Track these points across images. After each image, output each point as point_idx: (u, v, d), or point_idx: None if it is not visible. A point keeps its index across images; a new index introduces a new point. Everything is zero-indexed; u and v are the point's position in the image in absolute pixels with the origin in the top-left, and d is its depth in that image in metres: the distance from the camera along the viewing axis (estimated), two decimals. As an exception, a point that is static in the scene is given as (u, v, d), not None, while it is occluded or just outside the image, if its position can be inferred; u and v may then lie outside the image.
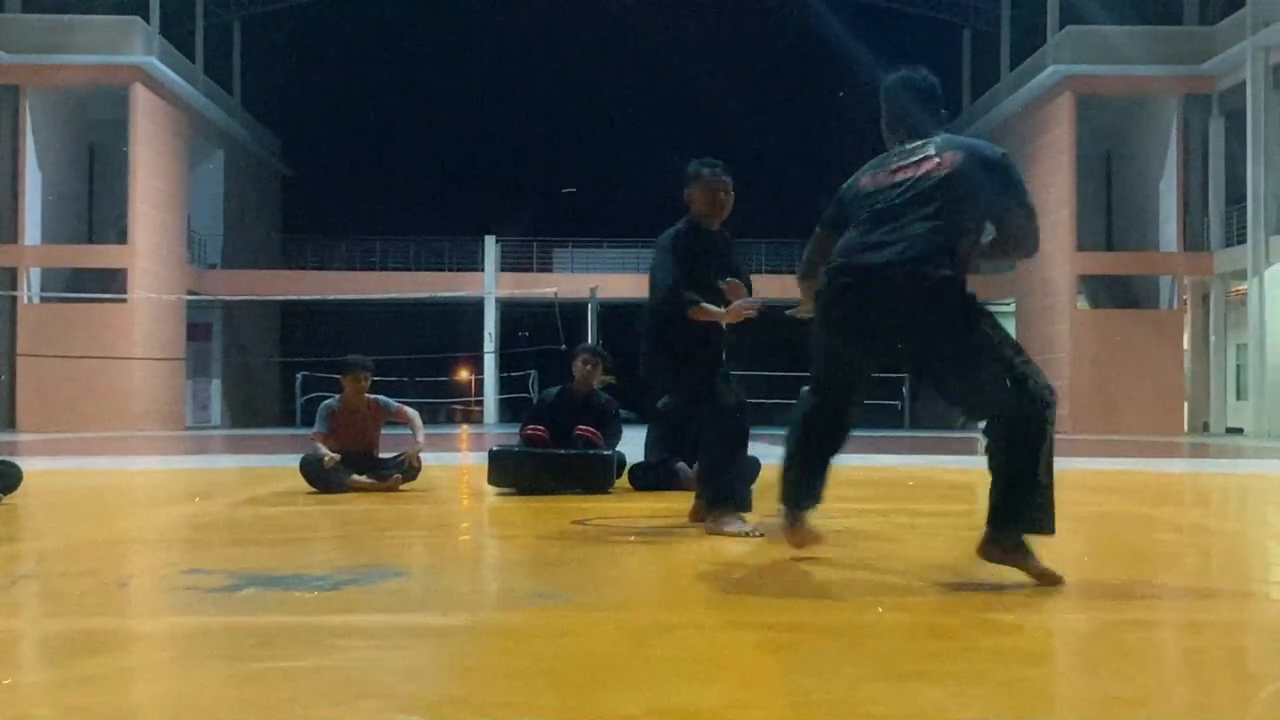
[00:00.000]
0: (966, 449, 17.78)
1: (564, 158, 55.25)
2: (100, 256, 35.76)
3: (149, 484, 10.65)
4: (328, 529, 6.11)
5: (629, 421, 9.07)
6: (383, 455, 8.59)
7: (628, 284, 40.95)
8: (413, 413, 8.71)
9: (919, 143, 4.24)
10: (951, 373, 4.03)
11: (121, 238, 35.26)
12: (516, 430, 8.74)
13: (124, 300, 33.74)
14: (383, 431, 8.72)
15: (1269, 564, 5.04)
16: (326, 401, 8.65)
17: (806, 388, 4.45)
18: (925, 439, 25.23)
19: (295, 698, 2.47)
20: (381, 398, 8.70)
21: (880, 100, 4.46)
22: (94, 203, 38.66)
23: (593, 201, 51.41)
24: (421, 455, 8.59)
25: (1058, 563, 4.14)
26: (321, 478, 8.11)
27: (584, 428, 8.29)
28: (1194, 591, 3.95)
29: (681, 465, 8.38)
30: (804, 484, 4.41)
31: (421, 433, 8.66)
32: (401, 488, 8.31)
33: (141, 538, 5.81)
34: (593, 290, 25.77)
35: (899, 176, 4.16)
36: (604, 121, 55.71)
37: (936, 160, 4.12)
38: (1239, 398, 34.49)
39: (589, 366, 8.67)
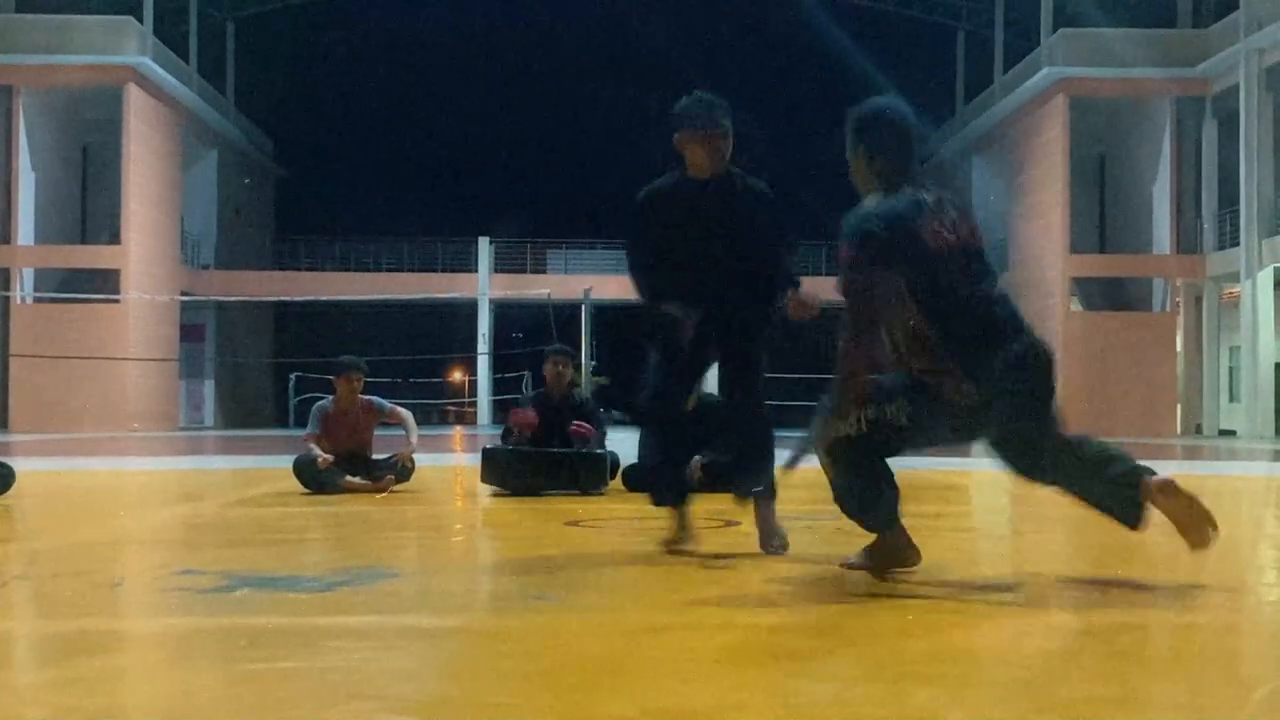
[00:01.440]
0: (960, 450, 17.78)
1: (558, 159, 55.30)
2: (94, 257, 35.71)
3: (142, 485, 10.64)
4: (320, 530, 6.10)
5: (621, 423, 9.07)
6: (376, 456, 8.58)
7: (621, 286, 40.92)
8: (406, 414, 8.71)
9: (930, 195, 3.95)
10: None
11: (115, 238, 35.21)
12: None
13: (117, 301, 33.69)
14: (376, 433, 8.72)
15: (1261, 566, 5.05)
16: (320, 402, 8.65)
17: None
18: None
19: (288, 699, 2.47)
20: (375, 399, 8.70)
21: (860, 126, 4.10)
22: (87, 203, 38.60)
23: (586, 203, 51.43)
24: (415, 456, 8.58)
25: (1051, 563, 4.15)
26: (315, 479, 8.10)
27: (578, 423, 8.27)
28: (1187, 593, 3.96)
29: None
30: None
31: (415, 434, 8.65)
32: (394, 489, 8.31)
33: (134, 539, 5.80)
34: (586, 292, 25.75)
35: (949, 241, 3.88)
36: (598, 123, 55.76)
37: (963, 223, 3.94)
38: (1231, 400, 34.56)
39: (560, 367, 8.64)
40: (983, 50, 43.38)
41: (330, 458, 8.15)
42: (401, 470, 8.43)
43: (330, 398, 8.59)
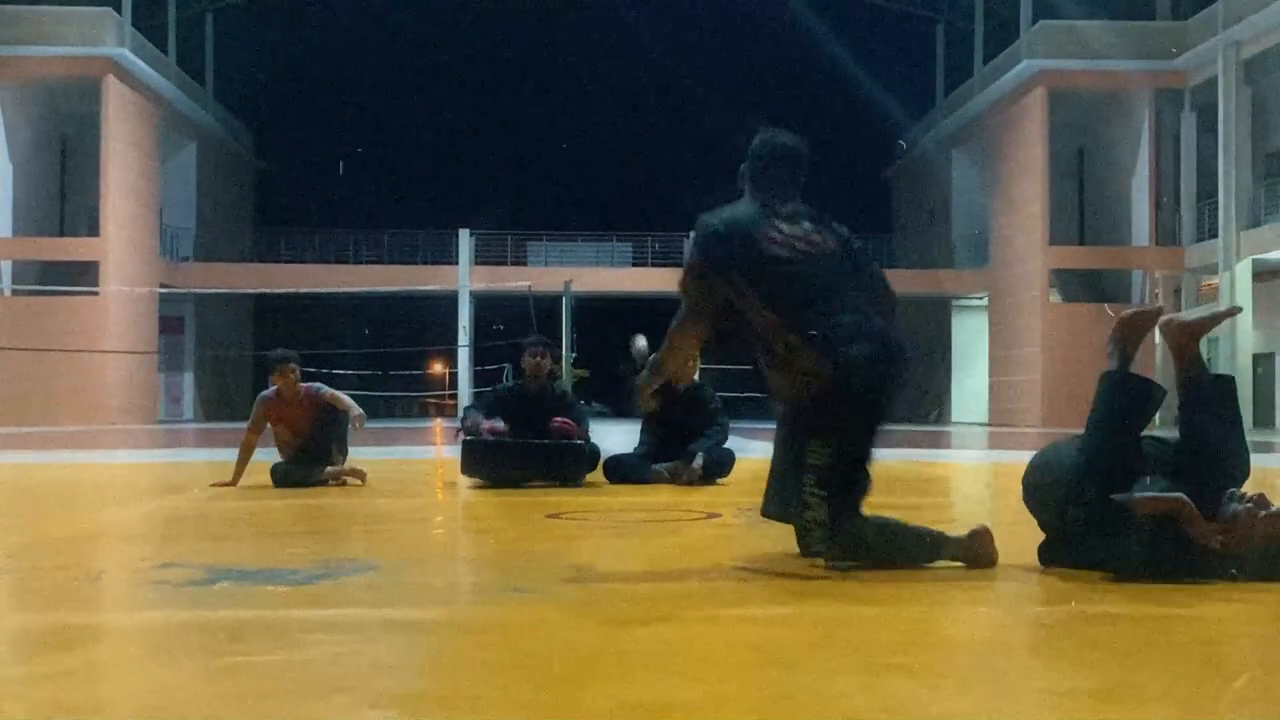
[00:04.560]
0: (939, 442, 17.85)
1: (538, 151, 55.23)
2: (72, 249, 35.56)
3: (121, 478, 10.59)
4: (300, 523, 6.09)
5: (603, 415, 9.08)
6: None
7: (602, 278, 40.96)
8: (342, 395, 8.56)
9: (806, 217, 4.30)
10: None
11: (94, 231, 35.06)
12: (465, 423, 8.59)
13: (96, 293, 33.56)
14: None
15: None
16: (263, 393, 8.58)
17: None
18: (897, 433, 25.29)
19: (268, 692, 2.46)
20: (313, 385, 8.59)
21: (753, 158, 4.45)
22: (66, 195, 38.43)
23: (567, 195, 51.40)
24: (360, 420, 8.45)
25: (1029, 554, 4.16)
26: (287, 479, 8.06)
27: (560, 420, 8.26)
28: (1165, 585, 3.97)
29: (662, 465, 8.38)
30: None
31: (349, 401, 8.49)
32: (360, 480, 8.24)
33: (113, 532, 5.78)
34: (567, 284, 25.75)
35: (813, 248, 4.21)
36: (578, 115, 55.70)
37: (829, 238, 4.27)
38: (1210, 391, 34.70)
39: (538, 359, 8.63)
40: (962, 43, 43.45)
41: (232, 483, 8.01)
42: (341, 434, 8.36)
43: (273, 389, 8.50)
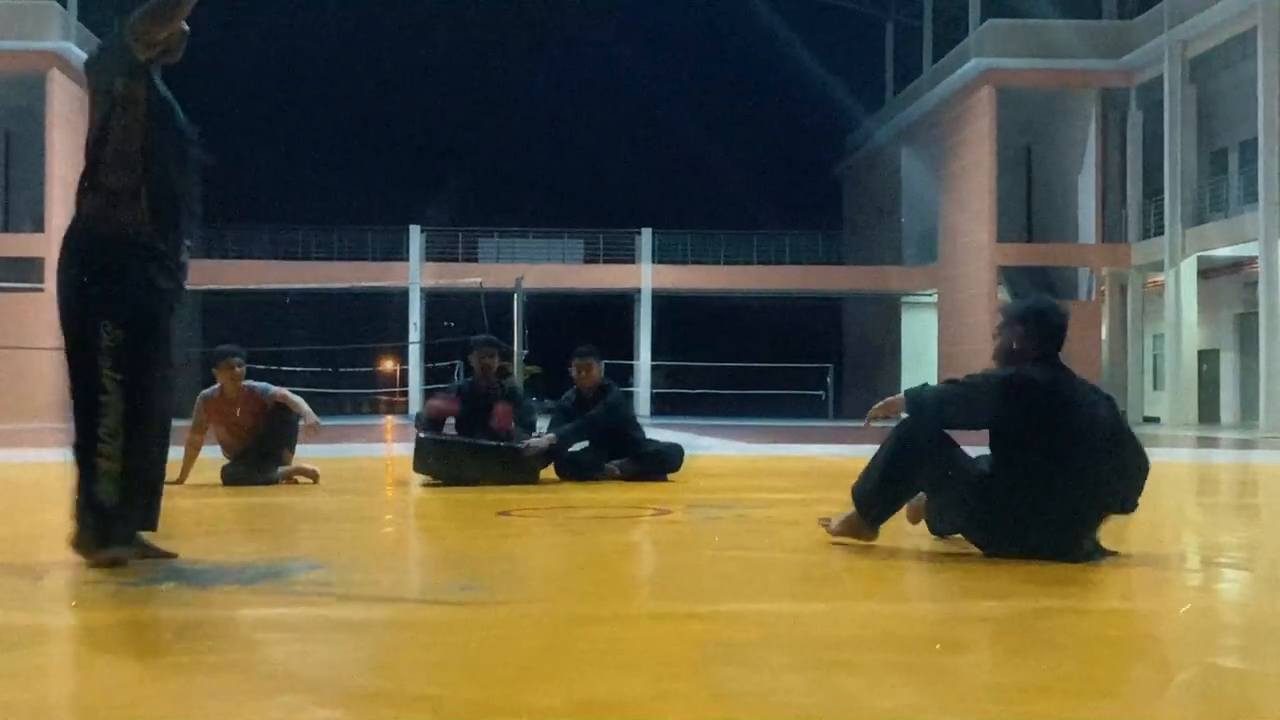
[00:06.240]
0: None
1: (489, 147, 55.10)
2: (15, 245, 35.11)
3: (65, 477, 10.47)
4: (248, 522, 6.05)
5: (551, 411, 9.06)
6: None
7: (553, 274, 40.87)
8: (290, 395, 8.43)
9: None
10: None
11: (38, 226, 34.64)
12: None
13: (40, 289, 33.15)
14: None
15: (1184, 553, 5.14)
16: (203, 391, 8.43)
17: None
18: (850, 429, 25.39)
19: (215, 692, 2.45)
20: (257, 385, 8.45)
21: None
22: (10, 191, 37.95)
23: (518, 191, 51.29)
24: (317, 425, 8.35)
25: (975, 552, 4.19)
26: (245, 479, 7.96)
27: (499, 407, 8.26)
28: (1109, 580, 4.02)
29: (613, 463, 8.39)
30: None
31: (306, 407, 8.36)
32: (311, 479, 8.17)
33: (56, 531, 5.71)
34: (518, 280, 25.65)
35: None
36: (529, 111, 55.59)
37: None
38: (1155, 387, 35.05)
39: (486, 359, 8.74)
40: (912, 41, 43.69)
41: (179, 482, 7.87)
42: (291, 434, 8.24)
43: (217, 386, 8.36)
